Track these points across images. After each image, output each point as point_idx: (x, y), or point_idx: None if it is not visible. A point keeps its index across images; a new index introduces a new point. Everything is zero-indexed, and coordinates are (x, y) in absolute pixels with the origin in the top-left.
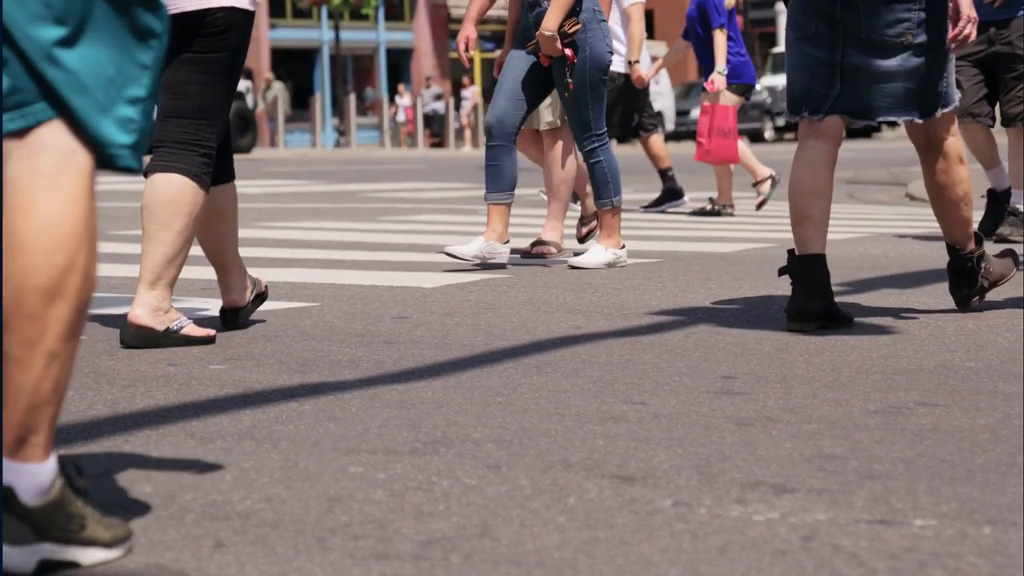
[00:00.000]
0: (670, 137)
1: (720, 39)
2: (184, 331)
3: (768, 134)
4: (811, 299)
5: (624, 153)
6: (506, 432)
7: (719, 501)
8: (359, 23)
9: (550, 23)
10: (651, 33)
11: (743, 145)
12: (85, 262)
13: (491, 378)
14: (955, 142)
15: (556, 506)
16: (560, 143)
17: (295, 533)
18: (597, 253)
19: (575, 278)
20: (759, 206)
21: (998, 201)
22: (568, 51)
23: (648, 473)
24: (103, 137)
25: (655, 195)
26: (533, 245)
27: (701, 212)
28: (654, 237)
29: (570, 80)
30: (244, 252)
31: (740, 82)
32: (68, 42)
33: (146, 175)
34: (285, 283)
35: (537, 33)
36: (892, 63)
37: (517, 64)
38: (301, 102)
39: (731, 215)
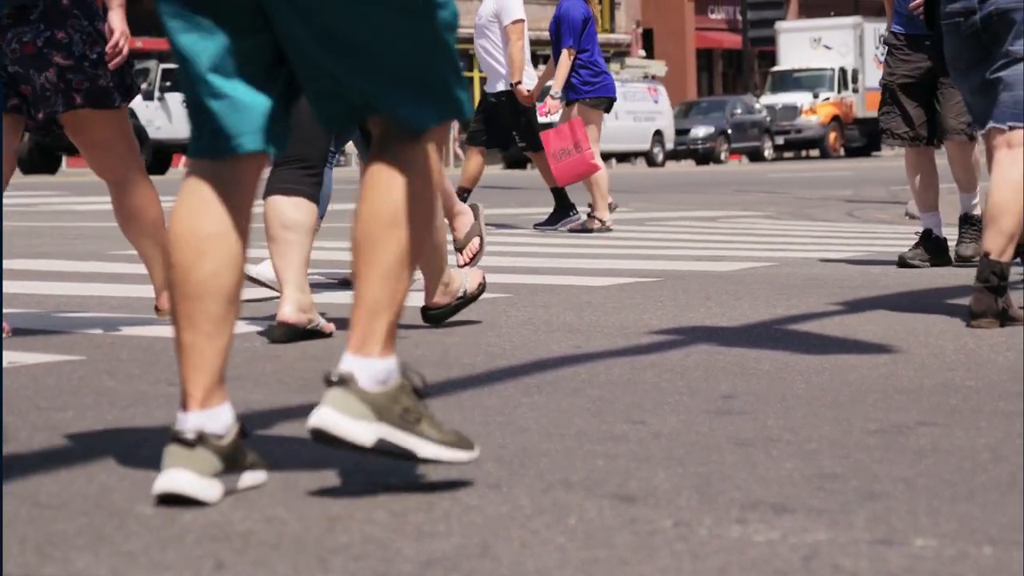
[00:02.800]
0: (669, 156)
1: (564, 60)
2: (320, 327)
3: (767, 153)
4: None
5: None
6: (506, 452)
7: (719, 521)
8: None
9: None
10: (650, 52)
11: (601, 173)
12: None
13: (491, 397)
14: None
15: (556, 526)
16: None
17: (296, 553)
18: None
19: (575, 297)
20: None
21: (971, 224)
22: None
23: (648, 493)
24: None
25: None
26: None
27: (581, 228)
28: (653, 256)
29: None
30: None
31: (597, 95)
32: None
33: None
34: None
35: None
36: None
37: None
38: None
39: (609, 230)
